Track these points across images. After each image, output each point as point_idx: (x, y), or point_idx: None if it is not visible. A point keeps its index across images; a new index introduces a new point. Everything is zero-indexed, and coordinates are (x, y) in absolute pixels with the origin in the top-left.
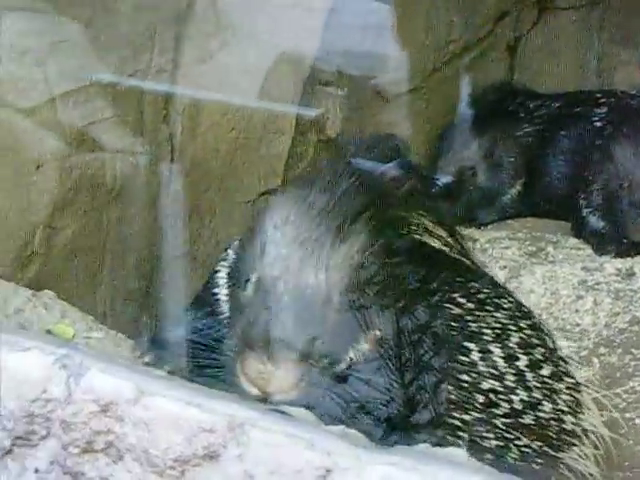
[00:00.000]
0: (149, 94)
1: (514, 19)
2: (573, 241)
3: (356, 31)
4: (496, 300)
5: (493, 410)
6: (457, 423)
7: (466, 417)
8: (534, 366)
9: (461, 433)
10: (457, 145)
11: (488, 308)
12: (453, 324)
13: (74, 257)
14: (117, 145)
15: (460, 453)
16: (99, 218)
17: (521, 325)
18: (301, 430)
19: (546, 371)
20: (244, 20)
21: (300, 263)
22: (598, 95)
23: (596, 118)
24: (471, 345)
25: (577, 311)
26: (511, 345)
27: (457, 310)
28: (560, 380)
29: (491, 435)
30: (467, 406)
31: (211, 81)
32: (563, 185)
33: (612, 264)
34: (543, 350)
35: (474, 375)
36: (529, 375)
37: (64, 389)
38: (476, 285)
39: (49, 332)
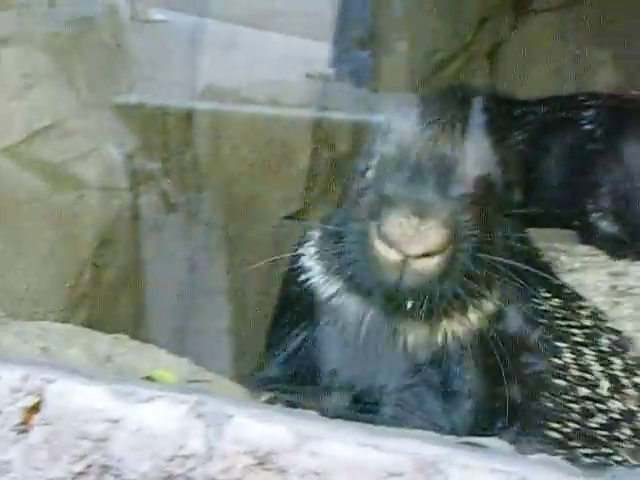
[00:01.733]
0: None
1: (494, 25)
2: (584, 248)
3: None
4: (578, 300)
5: (589, 421)
6: (557, 436)
7: (565, 429)
8: (629, 372)
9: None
10: None
11: (572, 305)
12: (542, 320)
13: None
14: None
15: None
16: (137, 253)
17: (608, 326)
18: (504, 463)
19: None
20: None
21: None
22: (582, 98)
23: (584, 121)
24: (562, 345)
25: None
26: (603, 348)
27: (544, 305)
28: None
29: (588, 451)
30: (564, 416)
31: None
32: (564, 192)
33: (636, 266)
34: (633, 354)
35: (570, 380)
36: (625, 382)
37: (204, 442)
38: (559, 282)
39: (149, 379)
